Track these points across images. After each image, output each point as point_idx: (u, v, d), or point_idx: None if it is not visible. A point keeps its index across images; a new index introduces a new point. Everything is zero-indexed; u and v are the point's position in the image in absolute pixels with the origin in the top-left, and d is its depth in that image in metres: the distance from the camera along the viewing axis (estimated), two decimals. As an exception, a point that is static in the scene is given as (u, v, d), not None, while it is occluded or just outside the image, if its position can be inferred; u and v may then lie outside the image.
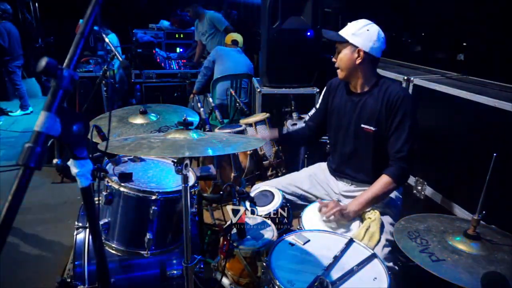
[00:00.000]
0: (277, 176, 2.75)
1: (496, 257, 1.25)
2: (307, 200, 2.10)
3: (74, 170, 0.85)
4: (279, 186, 2.07)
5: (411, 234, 1.40)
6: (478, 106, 1.97)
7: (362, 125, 1.89)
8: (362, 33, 1.79)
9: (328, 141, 2.30)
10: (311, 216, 1.82)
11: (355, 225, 1.77)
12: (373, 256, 1.43)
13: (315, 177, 2.15)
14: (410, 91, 2.47)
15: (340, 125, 2.00)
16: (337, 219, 1.74)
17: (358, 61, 1.81)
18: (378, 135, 1.85)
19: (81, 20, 0.80)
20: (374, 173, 1.93)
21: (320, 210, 1.78)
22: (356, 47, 1.80)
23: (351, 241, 1.52)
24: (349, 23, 1.86)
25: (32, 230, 2.69)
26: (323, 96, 2.16)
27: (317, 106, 2.20)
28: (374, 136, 1.87)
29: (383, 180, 1.78)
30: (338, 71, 1.92)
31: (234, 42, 4.15)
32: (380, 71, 2.72)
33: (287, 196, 2.05)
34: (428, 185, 2.36)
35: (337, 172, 2.08)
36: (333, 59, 1.93)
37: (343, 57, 1.85)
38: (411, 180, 2.47)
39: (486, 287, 1.03)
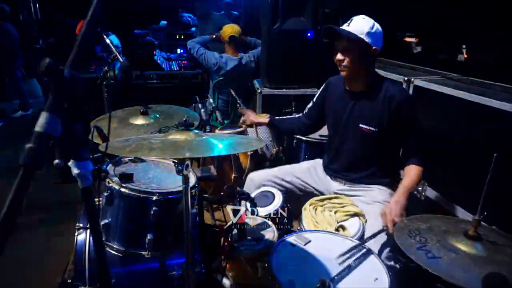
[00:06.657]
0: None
1: (495, 258, 1.24)
2: (305, 192, 2.10)
3: (75, 171, 0.86)
4: (277, 174, 2.09)
5: (411, 232, 1.40)
6: (478, 107, 1.97)
7: (361, 125, 1.88)
8: (376, 32, 1.77)
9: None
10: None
11: (356, 222, 1.77)
12: (369, 252, 1.45)
13: (314, 171, 2.16)
14: (411, 92, 2.47)
15: (336, 124, 2.00)
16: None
17: (370, 60, 1.82)
18: (378, 136, 1.85)
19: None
20: (368, 173, 1.94)
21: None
22: (371, 46, 1.77)
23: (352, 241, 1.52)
24: (356, 19, 1.80)
25: (33, 231, 2.69)
26: (320, 92, 2.15)
27: (314, 100, 2.19)
28: (373, 137, 1.86)
29: (414, 170, 1.83)
30: (344, 68, 1.83)
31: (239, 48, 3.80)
32: (380, 71, 2.72)
33: (285, 185, 2.07)
34: (429, 185, 2.35)
35: (331, 170, 2.08)
36: (339, 57, 1.82)
37: (357, 56, 1.78)
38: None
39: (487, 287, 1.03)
